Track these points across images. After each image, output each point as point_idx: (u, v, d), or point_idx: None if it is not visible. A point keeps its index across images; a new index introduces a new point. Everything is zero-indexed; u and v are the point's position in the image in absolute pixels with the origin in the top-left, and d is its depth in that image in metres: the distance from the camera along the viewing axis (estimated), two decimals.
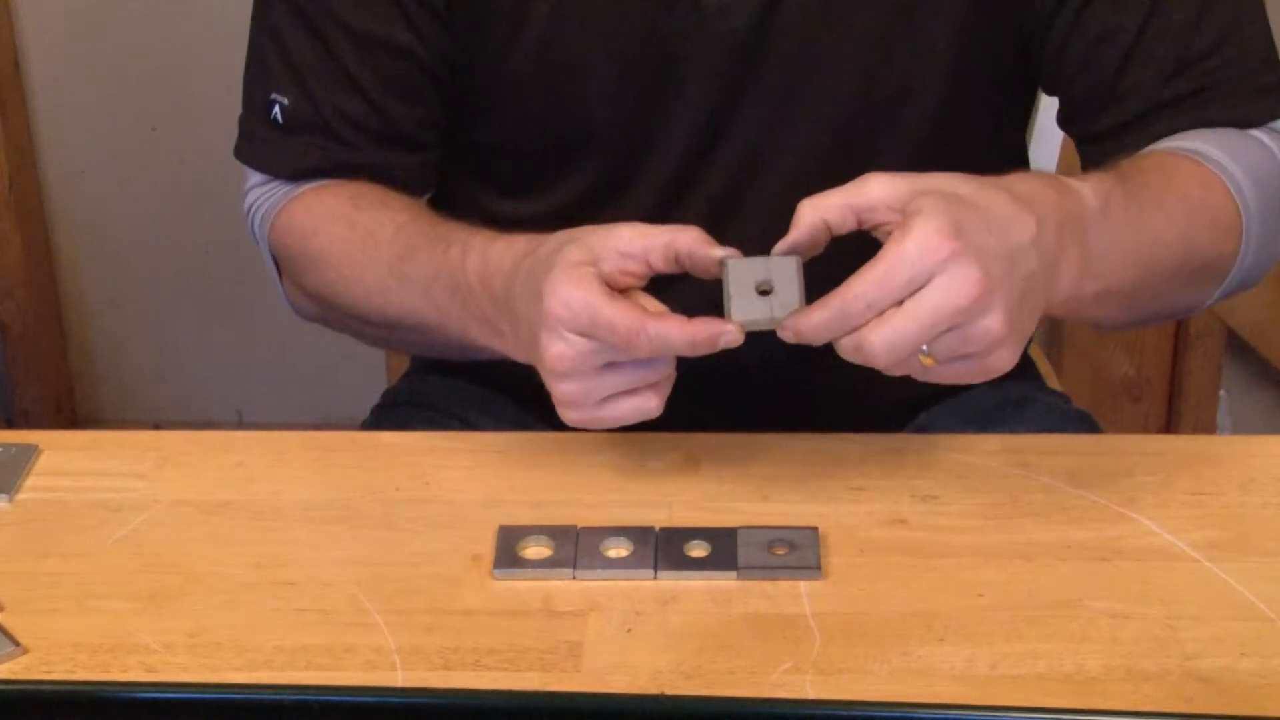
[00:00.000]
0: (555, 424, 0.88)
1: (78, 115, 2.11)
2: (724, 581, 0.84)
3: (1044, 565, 0.85)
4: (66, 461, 0.95)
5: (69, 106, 2.11)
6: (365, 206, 1.02)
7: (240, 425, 2.22)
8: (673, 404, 1.08)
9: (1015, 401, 1.16)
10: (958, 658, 0.78)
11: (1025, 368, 1.23)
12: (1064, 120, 1.07)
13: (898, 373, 0.80)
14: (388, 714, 0.69)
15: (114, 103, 2.10)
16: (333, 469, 0.93)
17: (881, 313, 0.78)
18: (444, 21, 1.03)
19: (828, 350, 1.09)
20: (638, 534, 0.86)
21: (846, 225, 0.82)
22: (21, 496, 0.92)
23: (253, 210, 1.09)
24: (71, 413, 2.25)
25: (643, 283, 0.85)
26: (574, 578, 0.84)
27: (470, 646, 0.80)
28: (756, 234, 1.05)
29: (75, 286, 2.21)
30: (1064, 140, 1.40)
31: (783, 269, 0.82)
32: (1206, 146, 0.98)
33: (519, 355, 0.89)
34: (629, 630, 0.81)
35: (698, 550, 0.86)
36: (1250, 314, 1.90)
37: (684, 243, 0.84)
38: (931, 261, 0.77)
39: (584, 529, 0.87)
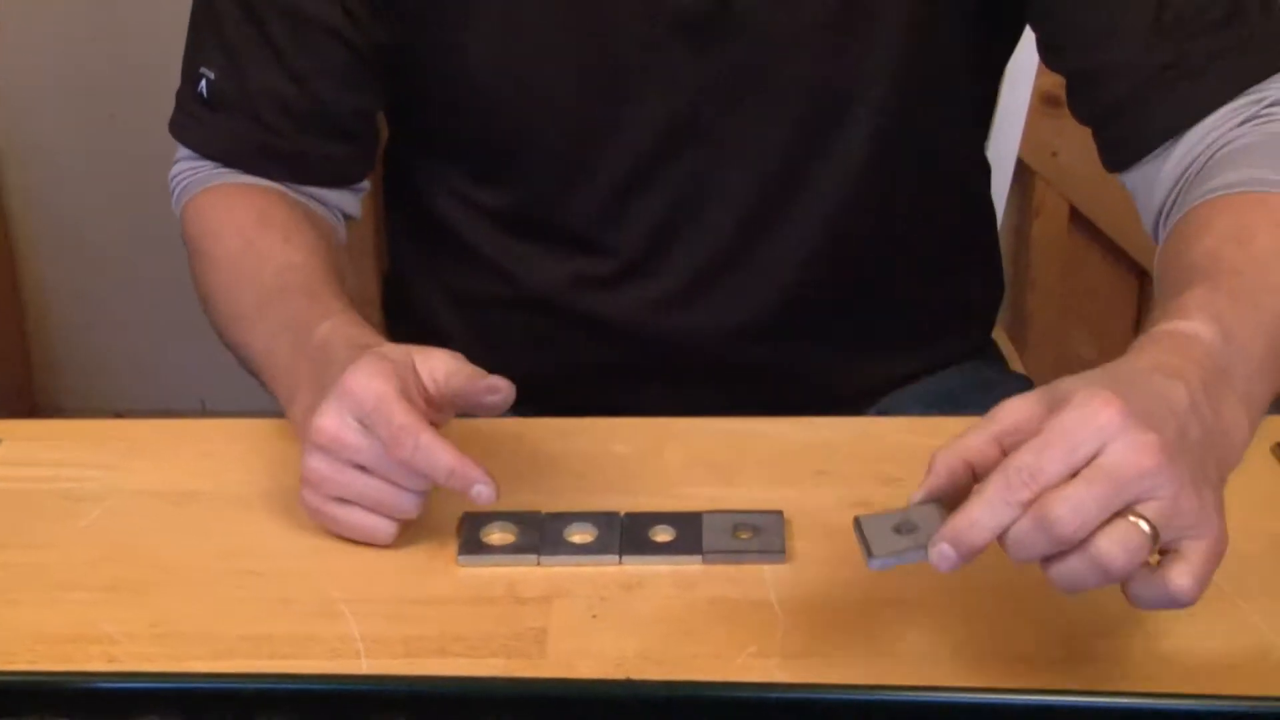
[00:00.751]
0: (520, 410, 0.88)
1: (35, 104, 2.09)
2: (689, 566, 0.84)
3: None
4: (28, 451, 0.94)
5: (26, 95, 2.09)
6: (268, 230, 1.01)
7: (204, 414, 2.21)
8: (638, 389, 1.09)
9: (978, 385, 1.17)
10: (922, 640, 0.79)
11: (987, 350, 1.23)
12: (1074, 103, 1.01)
13: (1116, 553, 0.67)
14: (352, 702, 0.69)
15: (72, 91, 2.08)
16: (296, 458, 0.93)
17: (1046, 486, 0.68)
18: (378, 6, 1.02)
19: (792, 335, 1.10)
20: (602, 519, 0.86)
21: (990, 459, 0.72)
22: None
23: (175, 184, 1.08)
24: (31, 401, 2.24)
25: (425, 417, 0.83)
26: (539, 564, 0.84)
27: (435, 634, 0.79)
28: (724, 216, 1.05)
29: (35, 275, 2.19)
30: (1033, 87, 1.40)
31: (924, 513, 0.72)
32: (1259, 171, 0.89)
33: (295, 425, 0.88)
34: (594, 616, 0.81)
35: (662, 535, 0.86)
36: None
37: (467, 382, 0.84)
38: (1099, 425, 0.68)
39: (548, 515, 0.87)
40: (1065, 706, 0.68)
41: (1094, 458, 0.68)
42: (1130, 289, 2.06)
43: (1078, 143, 1.02)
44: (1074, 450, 0.68)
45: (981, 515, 0.68)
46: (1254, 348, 0.78)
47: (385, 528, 0.84)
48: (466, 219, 1.10)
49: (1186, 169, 0.93)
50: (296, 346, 0.90)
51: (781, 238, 1.06)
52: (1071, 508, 0.67)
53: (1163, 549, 0.69)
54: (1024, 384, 1.19)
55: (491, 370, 0.85)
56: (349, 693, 0.69)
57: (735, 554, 0.84)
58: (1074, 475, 0.67)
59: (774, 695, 0.69)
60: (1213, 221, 0.88)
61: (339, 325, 0.89)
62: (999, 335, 1.29)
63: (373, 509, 0.84)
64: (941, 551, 0.69)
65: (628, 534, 0.85)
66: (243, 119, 1.04)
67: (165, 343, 2.20)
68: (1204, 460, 0.71)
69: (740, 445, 0.94)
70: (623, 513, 0.87)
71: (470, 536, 0.86)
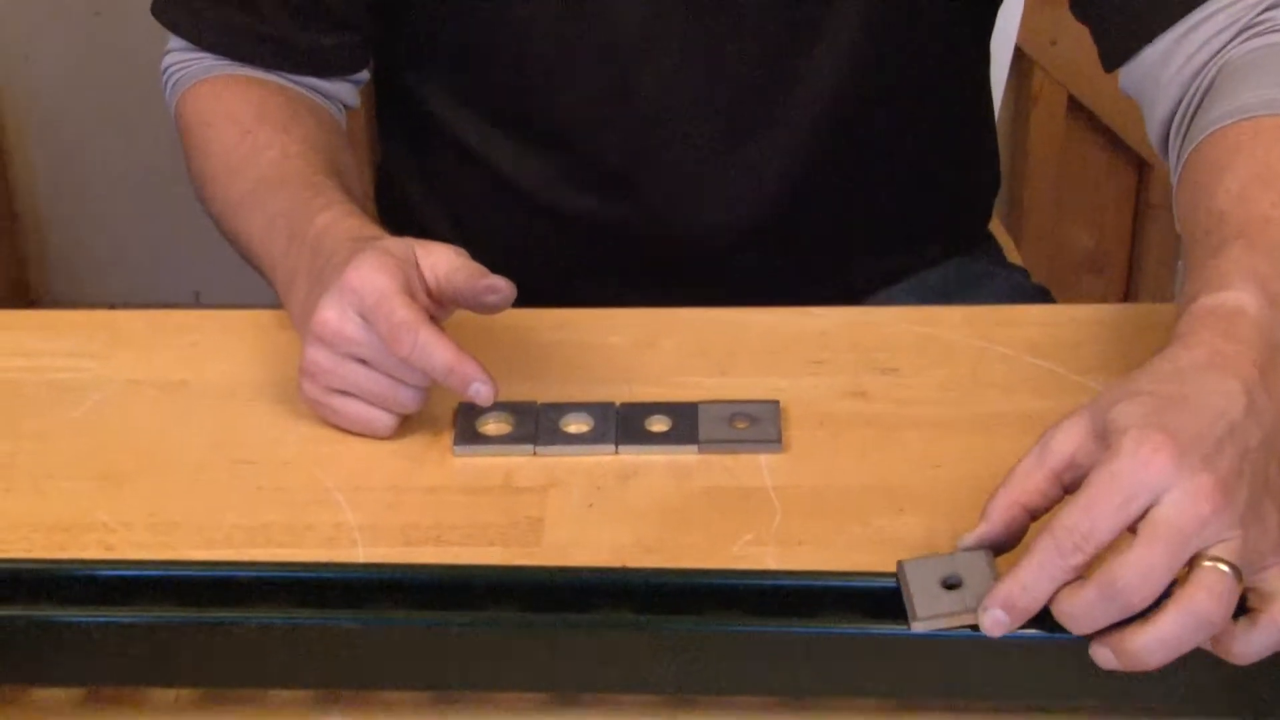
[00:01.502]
0: (517, 300, 0.87)
1: (19, 1, 2.07)
2: (684, 456, 0.84)
3: (1004, 436, 0.85)
4: (19, 341, 0.94)
5: None
6: (265, 121, 0.99)
7: (198, 307, 2.21)
8: (627, 290, 1.08)
9: (975, 276, 1.16)
10: (918, 529, 0.79)
11: (984, 242, 1.23)
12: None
13: (1208, 603, 0.63)
14: (348, 590, 0.69)
15: None
16: (290, 348, 0.92)
17: (1100, 546, 0.64)
18: None
19: (786, 232, 1.09)
20: (598, 410, 0.86)
21: (1051, 498, 0.69)
22: None
23: (168, 75, 1.07)
24: (25, 296, 2.23)
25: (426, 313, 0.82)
26: (534, 454, 0.84)
27: (431, 523, 0.79)
28: (711, 113, 1.04)
29: (26, 169, 2.18)
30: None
31: (973, 563, 0.68)
32: (1268, 91, 0.85)
33: (294, 316, 0.88)
34: (590, 505, 0.81)
35: (658, 425, 0.85)
36: None
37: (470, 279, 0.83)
38: (1152, 475, 0.64)
39: (544, 405, 0.87)
40: None
41: (1148, 509, 0.64)
42: (1129, 179, 2.05)
43: (1076, 31, 1.01)
44: (1126, 506, 0.64)
45: (1034, 580, 0.65)
46: None
47: (384, 420, 0.84)
48: (455, 116, 1.09)
49: (1190, 81, 0.91)
50: (294, 236, 0.89)
51: (771, 133, 1.05)
52: (1139, 574, 0.62)
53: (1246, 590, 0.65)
54: (1021, 275, 1.18)
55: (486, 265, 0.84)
56: (346, 580, 0.70)
57: (731, 444, 0.84)
58: (1129, 529, 0.64)
59: (770, 582, 0.69)
60: (1234, 161, 0.83)
61: (338, 216, 0.89)
62: (995, 227, 1.28)
63: (372, 402, 0.84)
64: (995, 618, 0.65)
65: (623, 424, 0.85)
66: (238, 10, 1.02)
67: (158, 236, 2.19)
68: (1266, 467, 0.67)
69: (735, 335, 0.93)
70: (618, 403, 0.87)
71: (466, 426, 0.85)
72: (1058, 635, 0.65)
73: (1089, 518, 0.64)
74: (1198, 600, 0.62)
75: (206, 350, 0.93)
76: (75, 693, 0.70)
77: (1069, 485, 0.68)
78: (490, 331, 0.92)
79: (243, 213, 0.96)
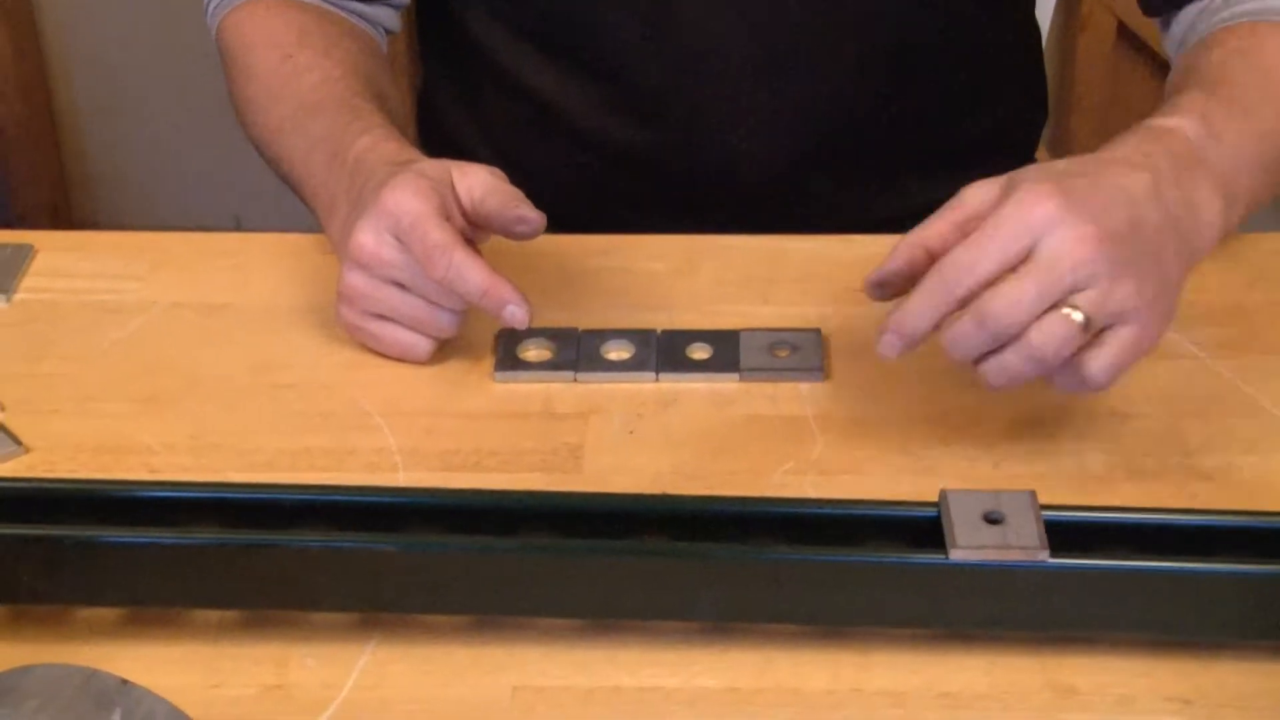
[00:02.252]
0: (557, 228, 0.87)
1: None
2: (725, 384, 0.84)
3: None
4: (62, 263, 0.94)
5: None
6: (307, 46, 0.99)
7: (239, 231, 2.21)
8: (675, 209, 1.07)
9: None
10: (960, 458, 0.78)
11: None
12: None
13: (1049, 345, 0.70)
14: (388, 514, 0.69)
15: None
16: (331, 272, 0.92)
17: (982, 280, 0.70)
18: None
19: (830, 163, 1.08)
20: (639, 336, 0.86)
21: (949, 244, 0.74)
22: (18, 297, 0.91)
23: None
24: (68, 218, 2.24)
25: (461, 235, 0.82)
26: (575, 380, 0.84)
27: (471, 448, 0.80)
28: (753, 45, 1.02)
29: (68, 92, 2.18)
30: None
31: (1016, 502, 0.68)
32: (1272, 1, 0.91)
33: (333, 240, 0.88)
34: (630, 432, 0.81)
35: (699, 352, 0.85)
36: None
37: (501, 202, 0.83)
38: (1036, 219, 0.70)
39: (585, 332, 0.86)
40: (1107, 522, 0.68)
41: (1031, 251, 0.70)
42: None
43: None
44: (1009, 245, 0.70)
45: (921, 309, 0.72)
46: (1243, 150, 0.80)
47: (422, 345, 0.84)
48: (496, 41, 1.09)
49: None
50: (334, 159, 0.89)
51: (815, 64, 1.03)
52: (1008, 304, 0.69)
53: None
54: None
55: (521, 186, 0.84)
56: (386, 505, 0.70)
57: (772, 371, 0.84)
58: (1012, 270, 0.70)
59: (809, 510, 0.69)
60: (1226, 39, 0.89)
61: (378, 140, 0.88)
62: (1042, 157, 1.27)
63: (410, 326, 0.84)
64: (887, 340, 0.73)
65: (664, 351, 0.85)
66: None
67: (199, 161, 2.19)
68: (1160, 248, 0.73)
69: (776, 262, 0.93)
70: (659, 330, 0.86)
71: (507, 353, 0.85)
72: (1094, 564, 0.65)
73: (972, 253, 0.70)
74: (1035, 340, 0.70)
75: (248, 274, 0.93)
76: (117, 613, 0.71)
77: (969, 235, 0.72)
78: (530, 257, 0.91)
79: (283, 137, 0.96)
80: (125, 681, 0.62)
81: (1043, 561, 0.65)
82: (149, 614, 0.71)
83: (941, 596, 0.67)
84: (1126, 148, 0.77)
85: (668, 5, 1.02)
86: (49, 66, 2.16)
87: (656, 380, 0.84)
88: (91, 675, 0.63)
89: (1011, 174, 0.74)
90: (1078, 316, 0.70)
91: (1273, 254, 0.93)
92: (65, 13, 2.13)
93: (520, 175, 0.87)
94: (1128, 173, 0.74)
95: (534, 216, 0.83)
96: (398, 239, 0.81)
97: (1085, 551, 0.66)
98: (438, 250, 0.80)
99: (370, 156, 0.87)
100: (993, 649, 0.69)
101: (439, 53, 1.16)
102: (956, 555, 0.66)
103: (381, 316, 0.84)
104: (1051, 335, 0.70)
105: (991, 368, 0.72)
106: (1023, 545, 0.65)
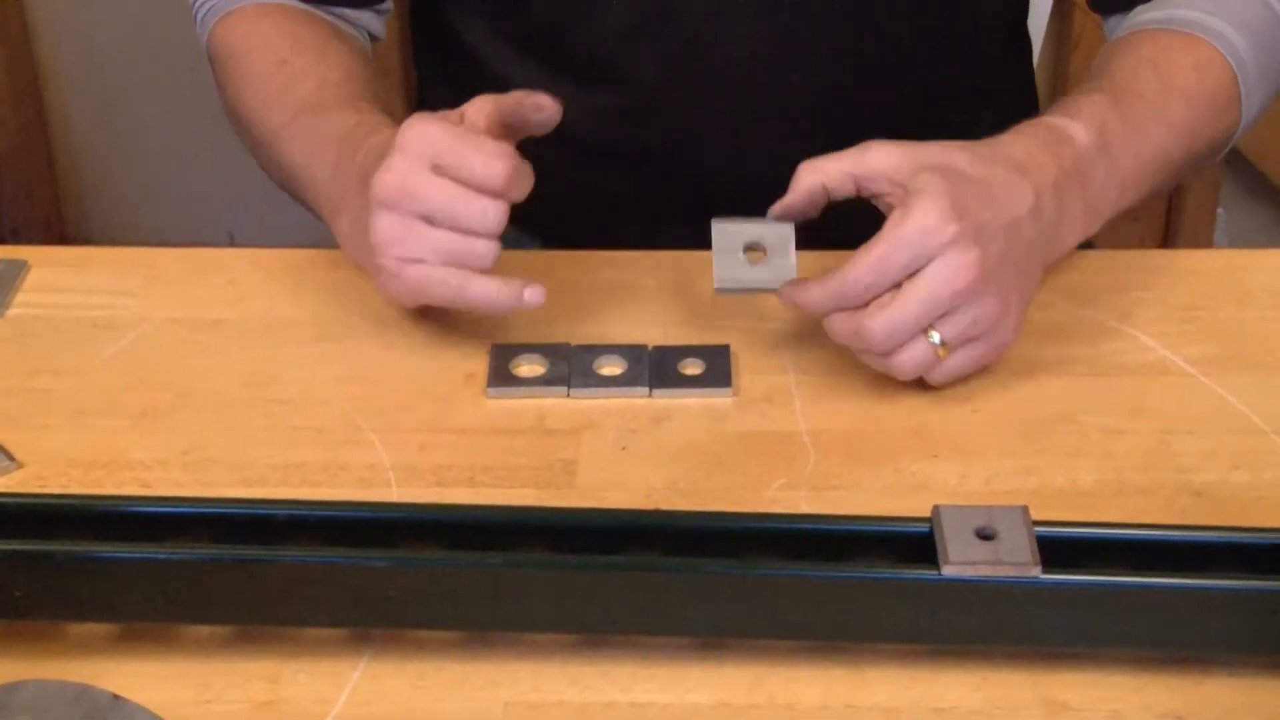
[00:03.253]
0: (550, 243, 0.87)
1: None
2: (718, 399, 0.84)
3: (1039, 380, 0.85)
4: (56, 278, 0.94)
5: None
6: (303, 50, 0.99)
7: (232, 246, 2.21)
8: (661, 227, 1.07)
9: None
10: (951, 473, 0.79)
11: None
12: None
13: (907, 366, 0.81)
14: (382, 529, 0.69)
15: None
16: (325, 287, 0.92)
17: (879, 296, 0.79)
18: None
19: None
20: (631, 352, 0.86)
21: (845, 191, 0.83)
22: (11, 313, 0.91)
23: (196, 7, 1.06)
24: (61, 233, 2.24)
25: None
26: (568, 396, 0.84)
27: (465, 464, 0.80)
28: (741, 52, 1.03)
29: (61, 106, 2.18)
30: None
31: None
32: (1201, 15, 0.95)
33: (341, 239, 0.88)
34: (623, 448, 0.81)
35: (692, 368, 0.85)
36: (1249, 130, 1.88)
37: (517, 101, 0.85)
38: (932, 244, 0.78)
39: (578, 347, 0.86)
40: (1099, 538, 0.68)
41: (921, 270, 0.78)
42: None
43: None
44: (908, 267, 0.78)
45: (821, 303, 0.80)
46: (1124, 168, 0.88)
47: (466, 282, 0.83)
48: (491, 48, 1.09)
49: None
50: (342, 161, 0.89)
51: (802, 73, 1.04)
52: (886, 332, 0.79)
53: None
54: None
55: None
56: (380, 520, 0.70)
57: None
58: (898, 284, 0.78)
59: (803, 526, 0.69)
60: (1142, 46, 0.95)
61: (386, 140, 0.88)
62: None
63: (447, 262, 0.82)
64: (786, 295, 0.82)
65: (657, 366, 0.85)
66: None
67: (193, 176, 2.19)
68: (1029, 263, 0.82)
69: None
70: (652, 345, 0.87)
71: (499, 368, 0.85)
72: (1086, 580, 0.65)
73: (874, 274, 0.78)
74: (898, 362, 0.80)
75: (243, 289, 0.93)
76: (109, 629, 0.71)
77: (861, 191, 0.83)
78: (523, 272, 0.91)
79: (282, 142, 0.96)
80: (117, 697, 0.62)
81: (1035, 577, 0.65)
82: (141, 629, 0.71)
83: (934, 612, 0.67)
84: (1021, 150, 0.84)
85: (662, 6, 1.02)
86: (43, 81, 2.16)
87: (649, 396, 0.84)
88: (83, 691, 0.63)
89: (919, 152, 0.81)
90: (936, 339, 0.80)
91: (1263, 271, 0.93)
92: (59, 27, 2.12)
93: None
94: (1017, 182, 0.82)
95: (548, 101, 0.85)
96: (419, 161, 0.81)
97: (1077, 567, 0.66)
98: (468, 134, 0.81)
99: (378, 154, 0.87)
100: (985, 664, 0.69)
101: (433, 58, 1.16)
102: (949, 571, 0.66)
103: (418, 261, 0.83)
104: (912, 359, 0.80)
105: (859, 356, 0.82)
106: (1015, 561, 0.65)
